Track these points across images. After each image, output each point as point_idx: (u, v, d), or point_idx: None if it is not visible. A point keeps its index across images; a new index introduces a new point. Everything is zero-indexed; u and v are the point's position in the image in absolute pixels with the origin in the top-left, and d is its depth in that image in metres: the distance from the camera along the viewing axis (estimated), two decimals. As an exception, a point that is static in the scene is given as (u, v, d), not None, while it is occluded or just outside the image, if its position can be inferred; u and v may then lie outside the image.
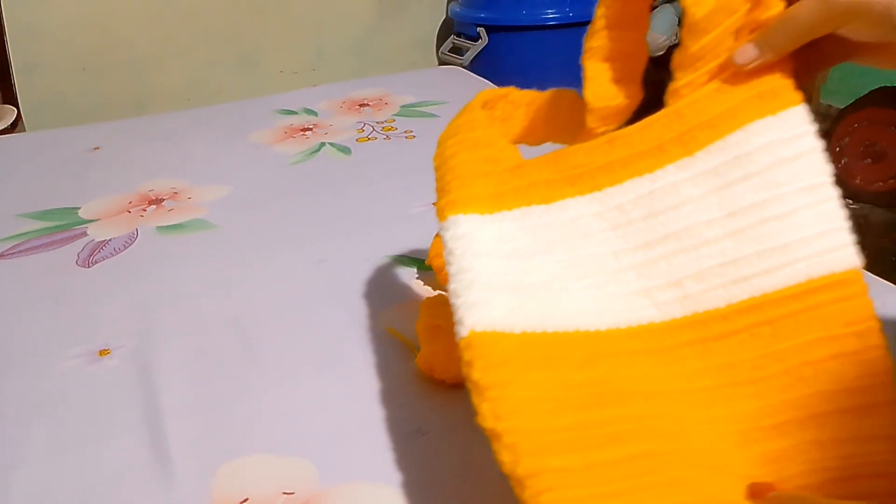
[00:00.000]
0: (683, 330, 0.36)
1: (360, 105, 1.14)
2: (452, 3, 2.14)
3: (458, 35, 2.09)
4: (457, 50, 2.07)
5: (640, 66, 0.43)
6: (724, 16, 0.37)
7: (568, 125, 0.44)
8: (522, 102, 0.46)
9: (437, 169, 0.42)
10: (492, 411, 0.32)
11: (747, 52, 0.36)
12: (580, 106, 0.43)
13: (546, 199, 0.40)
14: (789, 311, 0.34)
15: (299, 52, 2.14)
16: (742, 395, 0.35)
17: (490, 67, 1.91)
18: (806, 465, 0.33)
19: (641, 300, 0.37)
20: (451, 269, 0.37)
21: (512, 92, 0.46)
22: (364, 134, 1.02)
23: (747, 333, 0.35)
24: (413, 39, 2.30)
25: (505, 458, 0.31)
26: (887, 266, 1.67)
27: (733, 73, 0.37)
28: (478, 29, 1.97)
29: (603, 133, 0.41)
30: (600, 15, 0.42)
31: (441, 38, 2.31)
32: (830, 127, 2.04)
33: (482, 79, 1.28)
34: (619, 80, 0.42)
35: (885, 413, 0.33)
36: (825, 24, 0.34)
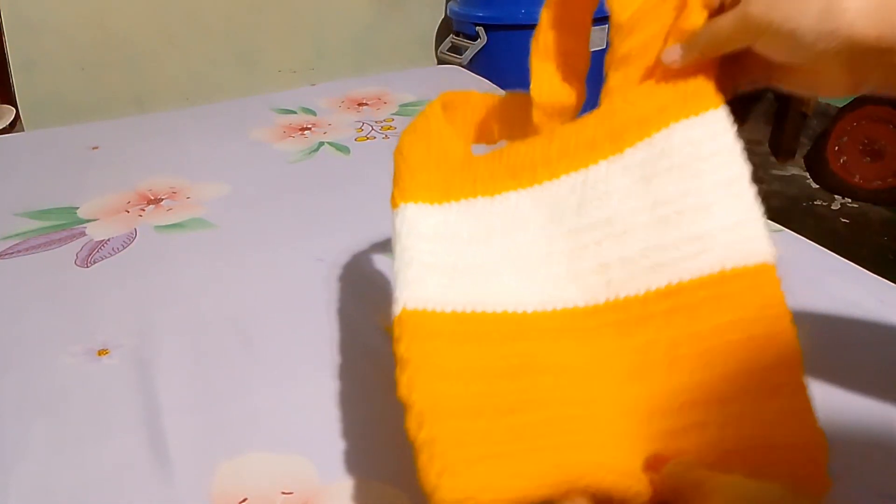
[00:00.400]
0: (606, 312, 0.38)
1: (359, 104, 1.14)
2: (451, 2, 2.13)
3: (457, 34, 2.09)
4: (455, 49, 2.07)
5: (583, 67, 0.45)
6: (648, 20, 0.40)
7: (521, 125, 0.46)
8: (482, 105, 0.48)
9: (394, 162, 0.45)
10: (407, 383, 0.34)
11: (673, 53, 0.39)
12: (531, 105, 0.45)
13: (490, 192, 0.43)
14: (704, 297, 0.36)
15: (298, 51, 2.14)
16: (655, 376, 0.37)
17: (489, 66, 1.91)
18: (705, 441, 0.35)
19: (569, 284, 0.39)
20: (396, 249, 0.40)
21: (472, 95, 0.48)
22: (363, 133, 1.02)
23: (664, 317, 0.37)
24: (412, 38, 2.30)
25: (411, 425, 0.33)
26: (886, 264, 1.67)
27: (661, 77, 0.40)
28: (476, 28, 1.96)
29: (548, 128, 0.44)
30: (544, 15, 0.44)
31: (440, 37, 2.30)
32: (829, 125, 2.04)
33: (481, 78, 1.28)
34: (563, 78, 0.45)
35: (786, 395, 0.35)
36: (741, 35, 0.37)
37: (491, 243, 0.41)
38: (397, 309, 0.37)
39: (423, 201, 0.42)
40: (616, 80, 0.41)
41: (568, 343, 0.38)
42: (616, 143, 0.40)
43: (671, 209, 0.38)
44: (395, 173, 0.44)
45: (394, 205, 0.43)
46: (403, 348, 0.36)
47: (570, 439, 0.34)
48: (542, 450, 0.33)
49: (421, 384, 0.34)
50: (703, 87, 0.39)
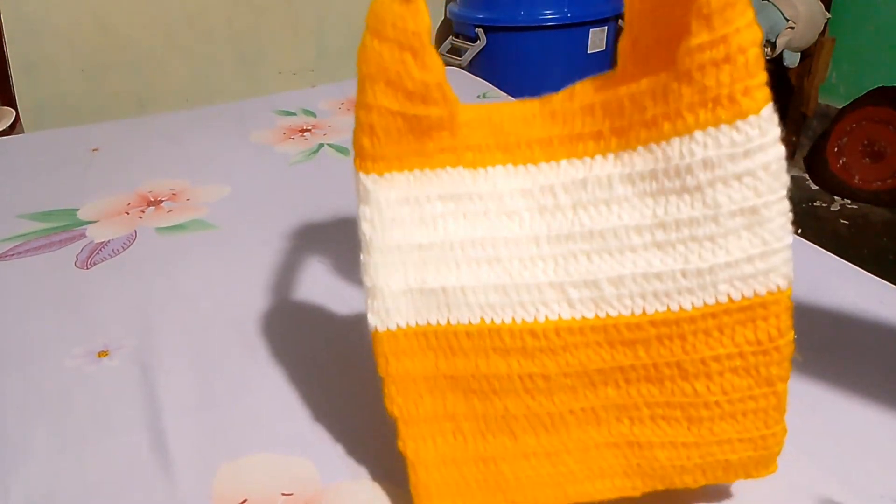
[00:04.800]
0: (594, 332, 0.36)
1: (360, 105, 1.14)
2: (451, 4, 2.13)
3: (457, 36, 2.09)
4: (455, 51, 2.07)
5: None
6: None
7: None
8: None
9: (356, 111, 0.36)
10: (390, 399, 0.39)
11: None
12: None
13: (476, 164, 0.37)
14: (702, 328, 0.34)
15: (299, 53, 2.14)
16: (633, 384, 0.37)
17: (489, 68, 1.90)
18: (672, 456, 0.37)
19: (554, 293, 0.36)
20: (364, 242, 0.37)
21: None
22: (363, 134, 1.02)
23: (657, 342, 0.35)
24: (412, 40, 2.30)
25: (398, 439, 0.39)
26: (886, 265, 1.67)
27: (685, 72, 0.32)
28: (476, 29, 1.96)
29: None
30: None
31: (439, 39, 2.30)
32: (829, 126, 2.04)
33: (481, 79, 1.28)
34: None
35: (755, 418, 0.36)
36: None
37: (473, 227, 0.36)
38: (370, 327, 0.38)
39: (388, 171, 0.36)
40: (630, 37, 0.35)
41: (549, 364, 0.36)
42: (626, 138, 0.35)
43: (678, 236, 0.34)
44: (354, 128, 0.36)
45: (356, 168, 0.36)
46: (381, 368, 0.38)
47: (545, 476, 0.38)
48: (513, 480, 0.38)
49: (401, 401, 0.38)
50: (743, 84, 0.31)
